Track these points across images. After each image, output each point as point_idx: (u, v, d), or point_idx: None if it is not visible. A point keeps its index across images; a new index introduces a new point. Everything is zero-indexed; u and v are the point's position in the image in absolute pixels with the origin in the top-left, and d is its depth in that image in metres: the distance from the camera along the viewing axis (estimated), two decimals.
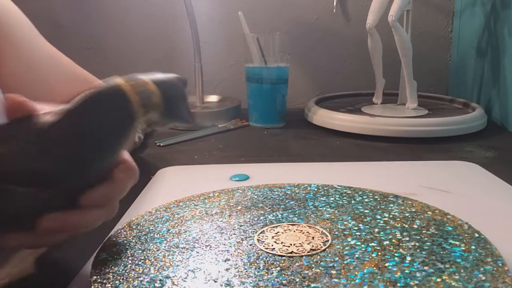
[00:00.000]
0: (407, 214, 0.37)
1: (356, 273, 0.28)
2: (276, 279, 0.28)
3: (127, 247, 0.32)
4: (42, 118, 0.26)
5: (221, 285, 0.27)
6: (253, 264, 0.30)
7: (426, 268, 0.29)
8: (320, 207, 0.39)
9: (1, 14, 0.44)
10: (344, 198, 0.40)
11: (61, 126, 0.26)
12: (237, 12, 0.77)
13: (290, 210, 0.38)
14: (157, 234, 0.34)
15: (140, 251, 0.32)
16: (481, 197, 0.43)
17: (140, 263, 0.30)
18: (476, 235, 0.33)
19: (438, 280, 0.27)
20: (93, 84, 0.28)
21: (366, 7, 0.79)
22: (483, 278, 0.27)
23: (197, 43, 0.81)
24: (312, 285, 0.27)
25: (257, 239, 0.33)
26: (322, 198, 0.40)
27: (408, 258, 0.30)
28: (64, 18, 0.93)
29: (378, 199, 0.40)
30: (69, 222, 0.28)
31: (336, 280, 0.28)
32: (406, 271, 0.28)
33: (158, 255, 0.31)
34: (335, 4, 0.93)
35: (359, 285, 0.27)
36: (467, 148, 0.63)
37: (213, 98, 0.89)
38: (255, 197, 0.41)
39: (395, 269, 0.29)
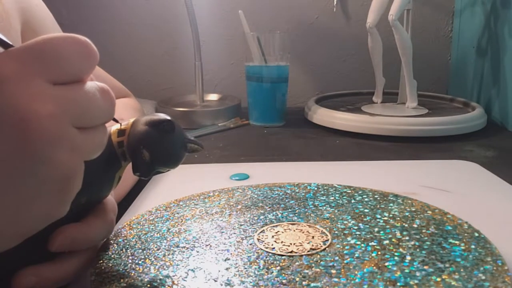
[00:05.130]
0: (407, 214, 0.37)
1: (356, 272, 0.28)
2: (276, 279, 0.28)
3: (127, 246, 0.32)
4: None
5: (221, 285, 0.28)
6: (253, 264, 0.30)
7: (426, 267, 0.29)
8: (320, 206, 0.39)
9: (31, 9, 0.43)
10: (344, 197, 0.40)
11: None
12: (237, 11, 0.77)
13: (290, 210, 0.38)
14: (157, 234, 0.34)
15: (140, 251, 0.32)
16: (481, 196, 0.43)
17: (140, 262, 0.30)
18: (476, 234, 0.33)
19: (438, 279, 0.27)
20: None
21: (366, 6, 0.78)
22: (483, 277, 0.27)
23: (197, 42, 0.81)
24: (312, 284, 0.27)
25: (257, 239, 0.33)
26: (322, 198, 0.40)
27: (408, 258, 0.30)
28: (65, 17, 0.93)
29: (378, 198, 0.40)
30: (46, 274, 0.26)
31: (336, 279, 0.28)
32: (406, 271, 0.28)
33: (158, 254, 0.31)
34: (335, 3, 0.93)
35: (359, 285, 0.27)
36: (467, 148, 0.63)
37: (213, 97, 0.89)
38: (255, 196, 0.41)
39: (395, 268, 0.29)
